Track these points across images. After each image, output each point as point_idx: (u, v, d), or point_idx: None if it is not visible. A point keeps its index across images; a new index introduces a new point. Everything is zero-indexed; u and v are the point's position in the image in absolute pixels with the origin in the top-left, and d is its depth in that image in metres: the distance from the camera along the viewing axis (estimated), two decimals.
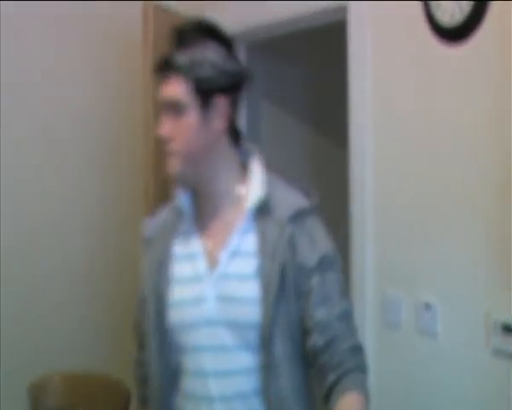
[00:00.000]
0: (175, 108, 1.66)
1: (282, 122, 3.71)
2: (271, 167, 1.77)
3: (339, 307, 1.66)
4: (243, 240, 1.69)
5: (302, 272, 1.65)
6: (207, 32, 1.68)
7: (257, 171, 1.74)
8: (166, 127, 1.68)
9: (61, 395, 2.49)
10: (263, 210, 1.69)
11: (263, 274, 1.65)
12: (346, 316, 1.68)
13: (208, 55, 1.65)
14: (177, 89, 1.65)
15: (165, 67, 1.67)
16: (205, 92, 1.65)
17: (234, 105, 1.70)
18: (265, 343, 1.65)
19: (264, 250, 1.66)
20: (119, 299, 3.11)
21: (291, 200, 1.71)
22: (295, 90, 3.75)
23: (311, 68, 3.75)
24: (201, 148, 1.68)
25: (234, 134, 1.74)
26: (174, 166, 1.70)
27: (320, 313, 1.64)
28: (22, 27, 2.94)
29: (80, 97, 3.11)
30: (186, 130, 1.66)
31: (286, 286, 1.65)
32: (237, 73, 1.69)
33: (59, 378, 2.52)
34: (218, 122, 1.68)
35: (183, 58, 1.65)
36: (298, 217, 1.68)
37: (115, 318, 3.11)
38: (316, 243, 1.68)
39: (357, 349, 1.66)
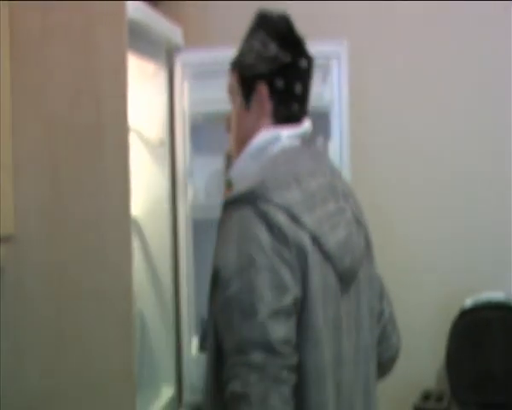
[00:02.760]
0: (230, 96, 1.86)
1: None
2: None
3: None
4: None
5: None
6: (259, 22, 1.81)
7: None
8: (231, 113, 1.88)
9: None
10: None
11: None
12: None
13: (254, 44, 1.79)
14: (230, 79, 1.85)
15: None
16: (246, 80, 1.79)
17: (278, 91, 1.76)
18: None
19: None
20: None
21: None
22: None
23: None
24: (245, 133, 1.80)
25: (283, 121, 1.79)
26: (230, 145, 1.88)
27: None
28: None
29: None
30: (234, 115, 1.84)
31: None
32: (277, 59, 1.76)
33: None
34: (259, 108, 1.78)
35: (236, 53, 1.84)
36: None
37: None
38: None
39: None
